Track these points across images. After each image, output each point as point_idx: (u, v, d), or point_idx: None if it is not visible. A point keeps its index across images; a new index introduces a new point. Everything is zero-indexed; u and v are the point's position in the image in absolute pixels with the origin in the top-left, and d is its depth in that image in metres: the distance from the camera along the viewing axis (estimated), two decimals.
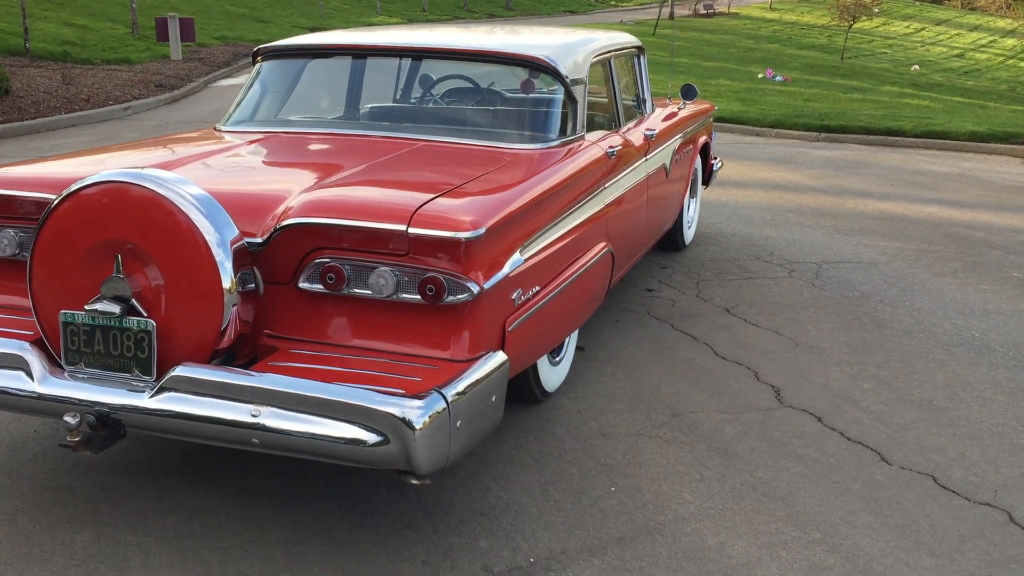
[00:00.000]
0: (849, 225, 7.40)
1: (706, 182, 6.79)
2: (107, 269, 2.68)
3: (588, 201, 3.75)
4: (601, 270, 3.89)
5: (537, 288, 3.19)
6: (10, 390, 2.72)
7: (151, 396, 2.61)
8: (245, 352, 2.87)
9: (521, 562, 2.79)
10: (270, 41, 4.48)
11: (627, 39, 5.10)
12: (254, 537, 2.89)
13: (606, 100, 4.68)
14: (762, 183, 9.20)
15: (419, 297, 2.73)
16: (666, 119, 5.39)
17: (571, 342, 4.03)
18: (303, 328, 2.88)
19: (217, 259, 2.63)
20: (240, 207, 2.84)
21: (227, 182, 3.21)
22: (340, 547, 2.85)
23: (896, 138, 12.58)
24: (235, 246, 2.69)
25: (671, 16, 33.21)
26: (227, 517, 2.99)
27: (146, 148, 3.73)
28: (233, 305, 2.67)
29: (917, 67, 31.19)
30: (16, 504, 3.04)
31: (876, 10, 34.81)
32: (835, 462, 3.46)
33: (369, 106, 4.33)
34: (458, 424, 2.53)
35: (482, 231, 2.74)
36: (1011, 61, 37.39)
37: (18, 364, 2.72)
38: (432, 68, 4.41)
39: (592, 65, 4.28)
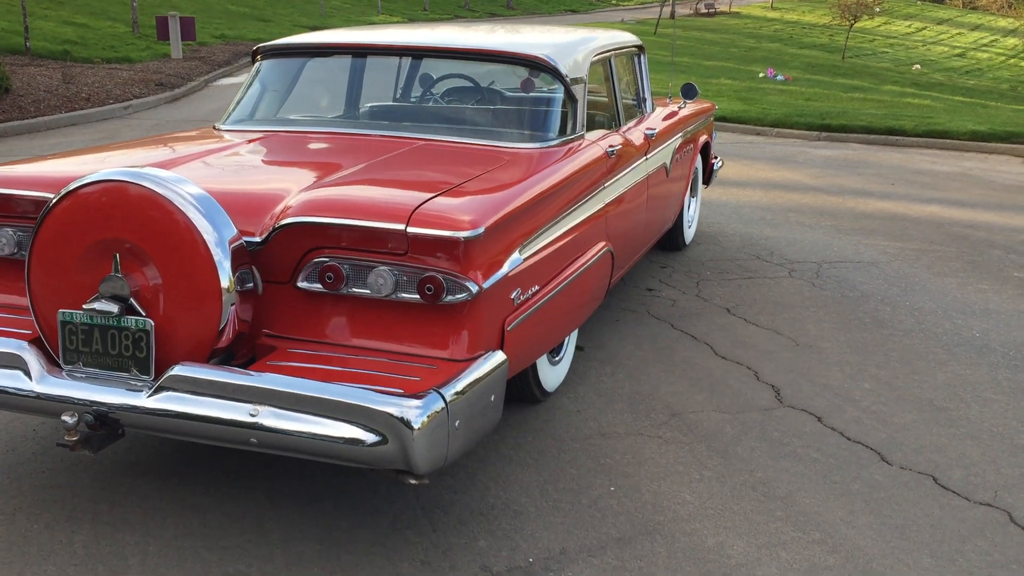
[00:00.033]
0: (850, 225, 7.40)
1: (707, 181, 6.78)
2: (105, 268, 2.67)
3: (588, 200, 3.74)
4: (601, 270, 3.88)
5: (536, 287, 3.18)
6: (8, 389, 2.71)
7: (149, 395, 2.60)
8: (244, 351, 2.86)
9: (520, 562, 2.79)
10: (271, 40, 4.47)
11: (627, 38, 5.09)
12: (253, 536, 2.88)
13: (606, 99, 4.67)
14: (763, 182, 9.19)
15: (418, 296, 2.73)
16: (666, 118, 5.38)
17: (571, 342, 4.03)
18: (302, 327, 2.88)
19: (215, 258, 2.62)
20: (239, 206, 2.83)
21: (226, 181, 3.20)
22: (339, 546, 2.84)
23: (897, 137, 12.57)
24: (233, 245, 2.68)
25: (672, 15, 33.19)
26: (226, 516, 2.99)
27: (145, 147, 3.72)
28: (231, 304, 2.67)
29: (918, 66, 31.17)
30: (15, 503, 3.04)
31: (877, 9, 34.78)
32: (835, 462, 3.45)
33: (368, 105, 4.32)
34: (456, 424, 2.52)
35: (481, 230, 2.73)
36: (1012, 60, 37.37)
37: (16, 363, 2.71)
38: (431, 67, 4.40)
39: (592, 64, 4.27)
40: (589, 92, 4.19)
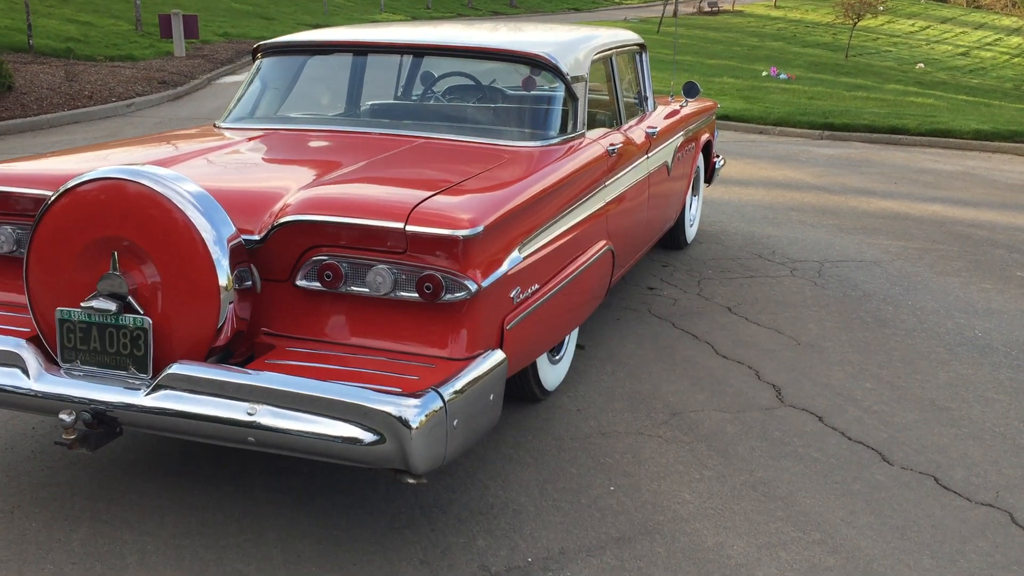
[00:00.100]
0: (852, 224, 7.38)
1: (708, 180, 6.77)
2: (104, 266, 2.67)
3: (588, 199, 3.73)
4: (601, 268, 3.87)
5: (536, 286, 3.17)
6: (6, 387, 2.71)
7: (147, 394, 2.59)
8: (242, 350, 2.86)
9: (519, 562, 2.78)
10: (273, 38, 4.47)
11: (629, 36, 5.08)
12: (251, 535, 2.88)
13: (607, 98, 4.66)
14: (765, 181, 9.17)
15: (417, 295, 2.72)
16: (668, 117, 5.37)
17: (571, 340, 4.02)
18: (300, 326, 2.87)
19: (214, 256, 2.62)
20: (238, 204, 2.83)
21: (225, 179, 3.19)
22: (337, 546, 2.83)
23: (900, 136, 12.55)
24: (232, 243, 2.67)
25: (675, 14, 33.15)
26: (224, 515, 2.98)
27: (144, 145, 3.72)
28: (230, 303, 2.66)
29: (922, 65, 31.11)
30: (13, 502, 3.03)
31: (881, 8, 34.73)
32: (836, 462, 3.44)
33: (369, 103, 4.31)
34: (455, 423, 2.51)
35: (480, 229, 2.72)
36: (1016, 59, 37.28)
37: (14, 361, 2.71)
38: (432, 65, 4.39)
39: (593, 62, 4.26)
40: (590, 90, 4.18)
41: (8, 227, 3.07)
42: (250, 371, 2.59)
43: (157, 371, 2.63)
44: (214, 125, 4.15)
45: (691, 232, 6.45)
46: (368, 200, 2.87)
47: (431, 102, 4.34)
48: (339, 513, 3.00)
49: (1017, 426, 3.79)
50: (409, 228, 2.68)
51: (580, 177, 3.65)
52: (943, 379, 4.26)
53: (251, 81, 4.27)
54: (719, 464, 3.40)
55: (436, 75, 4.44)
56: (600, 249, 3.82)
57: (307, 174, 3.19)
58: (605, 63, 4.56)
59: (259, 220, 2.83)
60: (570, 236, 3.50)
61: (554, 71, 3.92)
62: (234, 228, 2.70)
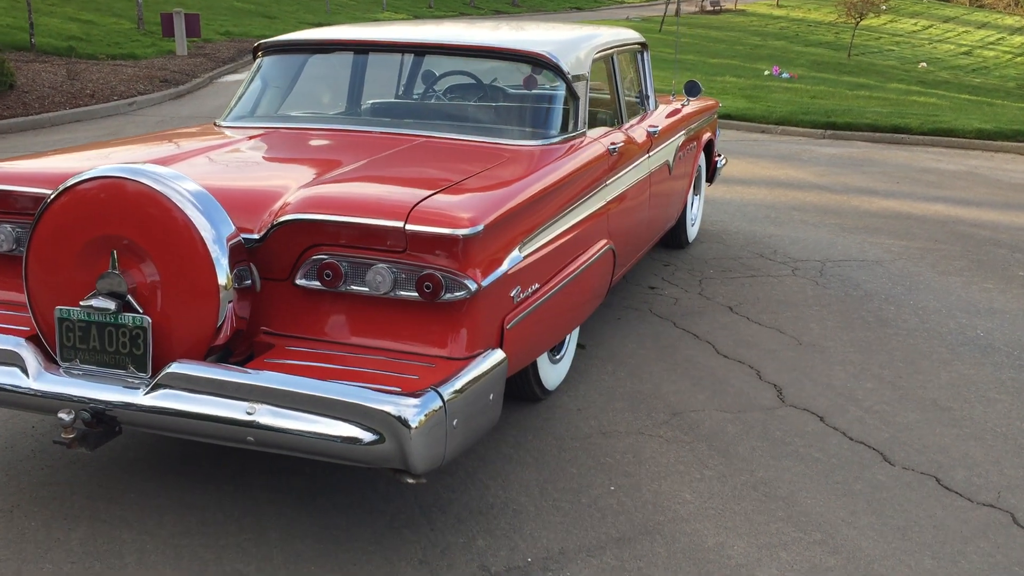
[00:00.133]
0: (854, 223, 7.36)
1: (710, 179, 6.76)
2: (103, 265, 2.66)
3: (589, 198, 3.72)
4: (602, 268, 3.87)
5: (537, 286, 3.16)
6: (5, 387, 2.70)
7: (146, 393, 2.59)
8: (242, 349, 2.85)
9: (519, 562, 2.77)
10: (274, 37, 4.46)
11: (630, 35, 5.07)
12: (250, 535, 2.87)
13: (608, 96, 4.65)
14: (767, 180, 9.16)
15: (416, 294, 2.71)
16: (669, 116, 5.36)
17: (572, 340, 4.01)
18: (300, 325, 2.86)
19: (213, 255, 2.61)
20: (237, 203, 2.82)
21: (225, 178, 3.19)
22: (337, 545, 2.83)
23: (902, 135, 12.53)
24: (231, 242, 2.67)
25: (677, 13, 33.14)
26: (224, 515, 2.98)
27: (144, 143, 3.71)
28: (229, 302, 2.65)
29: (924, 64, 31.08)
30: (13, 500, 3.03)
31: (883, 7, 34.68)
32: (837, 462, 3.43)
33: (370, 102, 4.31)
34: (454, 423, 2.51)
35: (480, 228, 2.71)
36: (1019, 59, 37.24)
37: (13, 360, 2.70)
38: (433, 64, 4.38)
39: (594, 61, 4.25)
40: (591, 89, 4.17)
41: (8, 226, 3.06)
42: (249, 370, 2.58)
43: (156, 370, 2.62)
44: (214, 124, 4.15)
45: (692, 231, 6.44)
46: (368, 199, 2.86)
47: (432, 101, 4.34)
48: (339, 513, 3.00)
49: (1019, 426, 3.78)
50: (409, 227, 2.67)
51: (581, 176, 3.64)
52: (945, 379, 4.25)
53: (252, 80, 4.27)
54: (720, 464, 3.39)
55: (437, 74, 4.44)
56: (601, 248, 3.81)
57: (307, 173, 3.18)
58: (606, 62, 4.55)
59: (259, 219, 2.82)
60: (571, 235, 3.49)
61: (555, 70, 3.91)
62: (233, 227, 2.69)
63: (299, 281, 2.81)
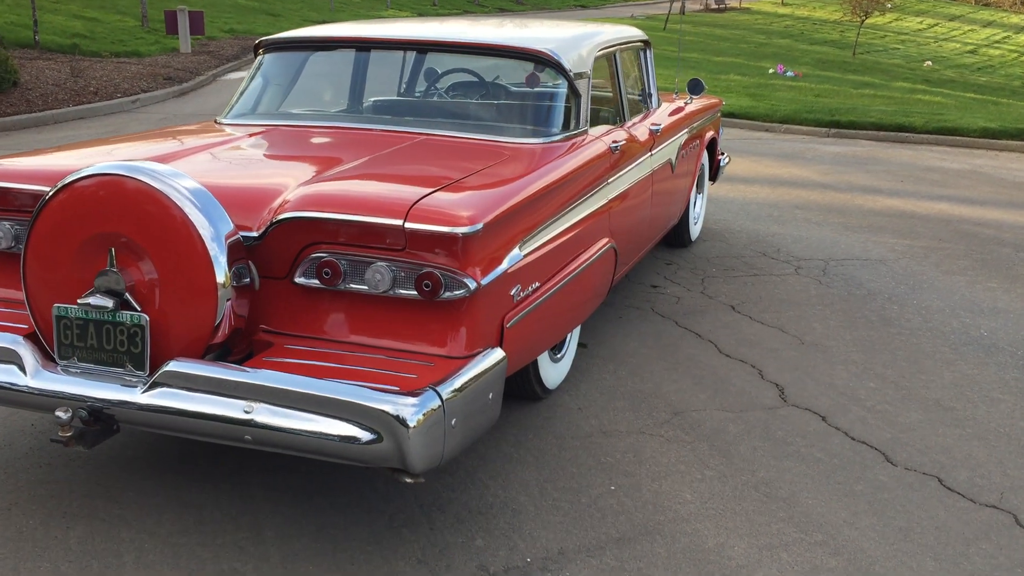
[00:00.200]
0: (857, 222, 7.34)
1: (713, 178, 6.73)
2: (101, 262, 2.65)
3: (590, 196, 3.70)
4: (603, 266, 3.85)
5: (537, 284, 3.15)
6: (3, 384, 2.69)
7: (143, 391, 2.58)
8: (241, 347, 2.84)
9: (518, 562, 2.76)
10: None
11: (633, 33, 5.05)
12: (248, 534, 2.86)
13: (611, 95, 4.63)
14: (770, 179, 9.13)
15: (415, 293, 2.70)
16: (672, 114, 5.34)
17: (573, 339, 3.99)
18: (299, 323, 2.85)
19: (211, 253, 2.60)
20: (237, 200, 2.81)
21: (224, 175, 3.18)
22: (335, 545, 2.82)
23: (907, 134, 12.49)
24: (230, 240, 2.65)
25: (681, 11, 33.07)
26: (222, 514, 2.97)
27: (144, 140, 3.70)
28: (227, 300, 2.64)
29: (930, 63, 30.98)
30: (11, 499, 3.02)
31: (889, 5, 34.58)
32: (839, 462, 3.41)
33: (371, 99, 4.29)
34: (453, 422, 2.49)
35: (479, 226, 2.70)
36: None
37: (11, 358, 2.70)
38: (434, 61, 4.37)
39: (596, 59, 4.23)
40: (593, 87, 4.15)
41: (7, 223, 3.06)
42: (247, 369, 2.57)
43: (154, 368, 2.61)
44: (215, 121, 4.14)
45: (695, 230, 6.42)
46: (367, 197, 2.85)
47: (434, 98, 4.32)
48: (337, 512, 2.99)
49: (1022, 426, 3.76)
50: (408, 225, 2.66)
51: (582, 174, 3.62)
52: (948, 379, 4.23)
53: (253, 77, 4.25)
54: (721, 464, 3.38)
55: (439, 71, 4.42)
56: (602, 247, 3.79)
57: (307, 170, 3.17)
58: (608, 60, 4.53)
59: (258, 217, 2.81)
60: (572, 234, 3.47)
61: (557, 67, 3.89)
62: (232, 225, 2.68)
63: (298, 279, 2.80)
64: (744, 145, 11.40)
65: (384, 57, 4.35)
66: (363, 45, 4.26)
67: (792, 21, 43.26)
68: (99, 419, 2.61)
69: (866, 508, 3.11)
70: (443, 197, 2.82)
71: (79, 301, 2.64)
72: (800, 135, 12.92)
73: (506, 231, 2.92)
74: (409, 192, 2.83)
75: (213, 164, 3.30)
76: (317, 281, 2.77)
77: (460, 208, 2.75)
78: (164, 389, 2.56)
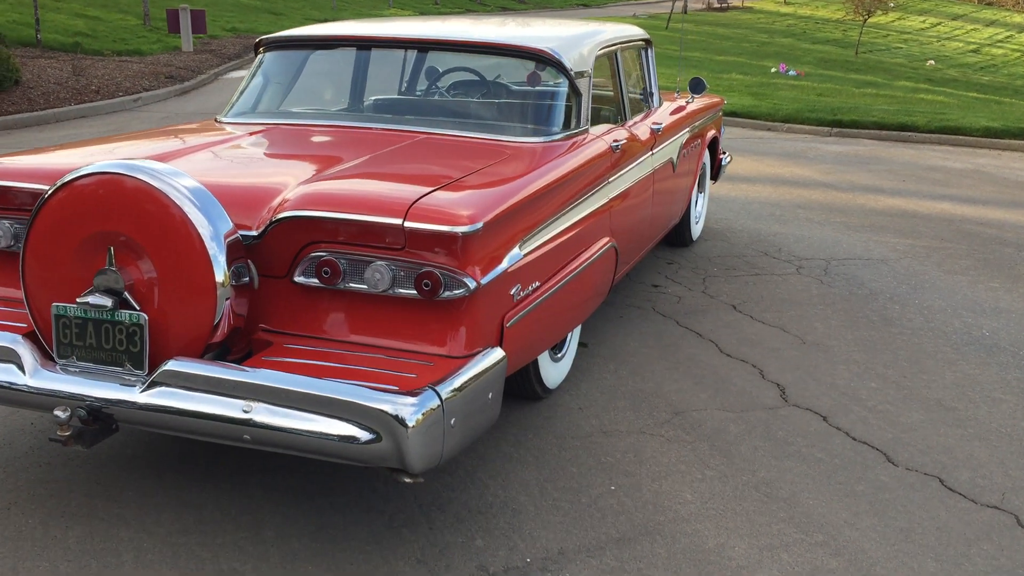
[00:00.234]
0: (859, 221, 7.32)
1: (715, 177, 6.72)
2: (100, 261, 2.65)
3: (591, 196, 3.69)
4: (604, 266, 3.84)
5: (537, 284, 3.14)
6: (1, 383, 2.69)
7: (142, 391, 2.57)
8: (240, 346, 2.83)
9: (518, 562, 2.75)
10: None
11: (634, 32, 5.04)
12: (248, 534, 2.86)
13: (612, 93, 4.62)
14: (772, 178, 9.11)
15: (415, 292, 2.69)
16: (674, 113, 5.33)
17: (573, 338, 3.98)
18: (298, 323, 2.84)
19: (210, 252, 2.59)
20: (236, 199, 2.80)
21: (224, 174, 3.17)
22: (334, 544, 2.81)
23: (909, 133, 12.47)
24: (229, 239, 2.65)
25: (684, 10, 33.02)
26: (221, 513, 2.96)
27: (144, 139, 3.70)
28: (226, 299, 2.64)
29: (932, 62, 30.94)
30: (10, 498, 3.02)
31: (891, 4, 34.53)
32: (840, 462, 3.40)
33: (372, 98, 4.29)
34: (452, 422, 2.49)
35: (479, 226, 2.69)
36: None
37: (10, 357, 2.69)
38: (435, 60, 4.36)
39: (597, 58, 4.22)
40: (594, 86, 4.14)
41: (6, 221, 3.05)
42: (246, 368, 2.56)
43: (153, 367, 2.60)
44: (215, 120, 4.13)
45: (696, 229, 6.40)
46: (367, 196, 2.84)
47: (434, 97, 4.31)
48: (336, 511, 2.98)
49: None
50: (407, 224, 2.65)
51: (583, 173, 3.61)
52: (950, 379, 4.22)
53: (253, 75, 4.25)
54: (721, 464, 3.37)
55: (440, 70, 4.42)
56: (603, 246, 3.79)
57: (307, 169, 3.16)
58: (610, 59, 4.52)
59: (257, 216, 2.80)
60: (572, 233, 3.46)
61: (557, 66, 3.89)
62: (231, 224, 2.68)
63: (297, 278, 2.79)
64: (746, 144, 11.39)
65: (385, 56, 4.34)
66: (364, 44, 4.25)
67: (794, 20, 43.21)
68: (98, 418, 2.61)
69: (867, 508, 3.10)
70: (443, 196, 2.81)
71: (78, 300, 2.63)
72: (802, 134, 12.90)
73: (506, 230, 2.91)
74: (409, 191, 2.82)
75: (213, 163, 3.30)
76: (316, 280, 2.76)
77: (460, 207, 2.74)
78: (163, 388, 2.55)
